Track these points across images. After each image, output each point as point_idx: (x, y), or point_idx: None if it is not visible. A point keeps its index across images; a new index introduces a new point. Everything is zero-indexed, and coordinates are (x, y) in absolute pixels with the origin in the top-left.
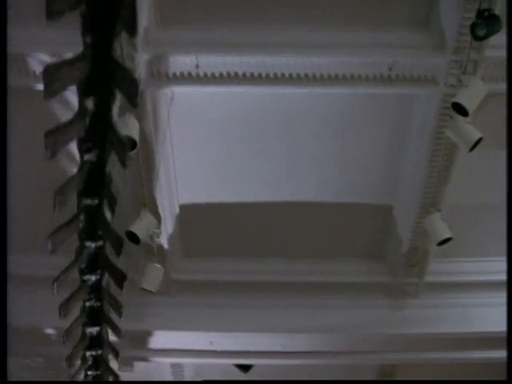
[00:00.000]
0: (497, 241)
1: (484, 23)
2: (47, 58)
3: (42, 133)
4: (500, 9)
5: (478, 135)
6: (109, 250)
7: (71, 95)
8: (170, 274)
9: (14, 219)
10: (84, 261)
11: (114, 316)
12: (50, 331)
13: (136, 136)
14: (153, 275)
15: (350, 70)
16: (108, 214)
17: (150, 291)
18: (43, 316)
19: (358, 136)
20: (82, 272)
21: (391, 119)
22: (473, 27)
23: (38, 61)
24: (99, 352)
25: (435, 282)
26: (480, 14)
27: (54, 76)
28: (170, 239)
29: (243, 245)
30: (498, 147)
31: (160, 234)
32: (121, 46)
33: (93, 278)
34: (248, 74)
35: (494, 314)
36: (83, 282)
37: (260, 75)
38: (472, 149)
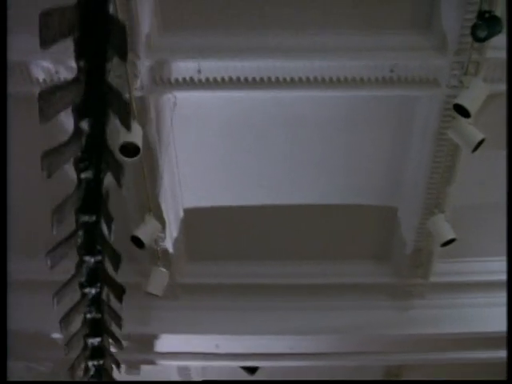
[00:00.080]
0: (501, 241)
1: (485, 24)
2: (49, 65)
3: (46, 137)
4: (501, 10)
5: (480, 136)
6: (107, 265)
7: None
8: (175, 278)
9: (14, 224)
10: (84, 275)
11: (114, 328)
12: (56, 335)
13: (139, 142)
14: (158, 279)
15: (351, 73)
16: (105, 230)
17: (155, 295)
18: (49, 321)
19: (361, 138)
20: (82, 285)
21: (394, 121)
22: (474, 29)
23: (41, 68)
24: (101, 362)
25: (440, 282)
26: (481, 15)
27: (48, 101)
28: (175, 243)
29: (248, 248)
30: (501, 148)
31: (165, 238)
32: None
33: (93, 291)
34: (250, 79)
35: (502, 313)
36: (83, 295)
37: (262, 79)
38: (474, 150)
